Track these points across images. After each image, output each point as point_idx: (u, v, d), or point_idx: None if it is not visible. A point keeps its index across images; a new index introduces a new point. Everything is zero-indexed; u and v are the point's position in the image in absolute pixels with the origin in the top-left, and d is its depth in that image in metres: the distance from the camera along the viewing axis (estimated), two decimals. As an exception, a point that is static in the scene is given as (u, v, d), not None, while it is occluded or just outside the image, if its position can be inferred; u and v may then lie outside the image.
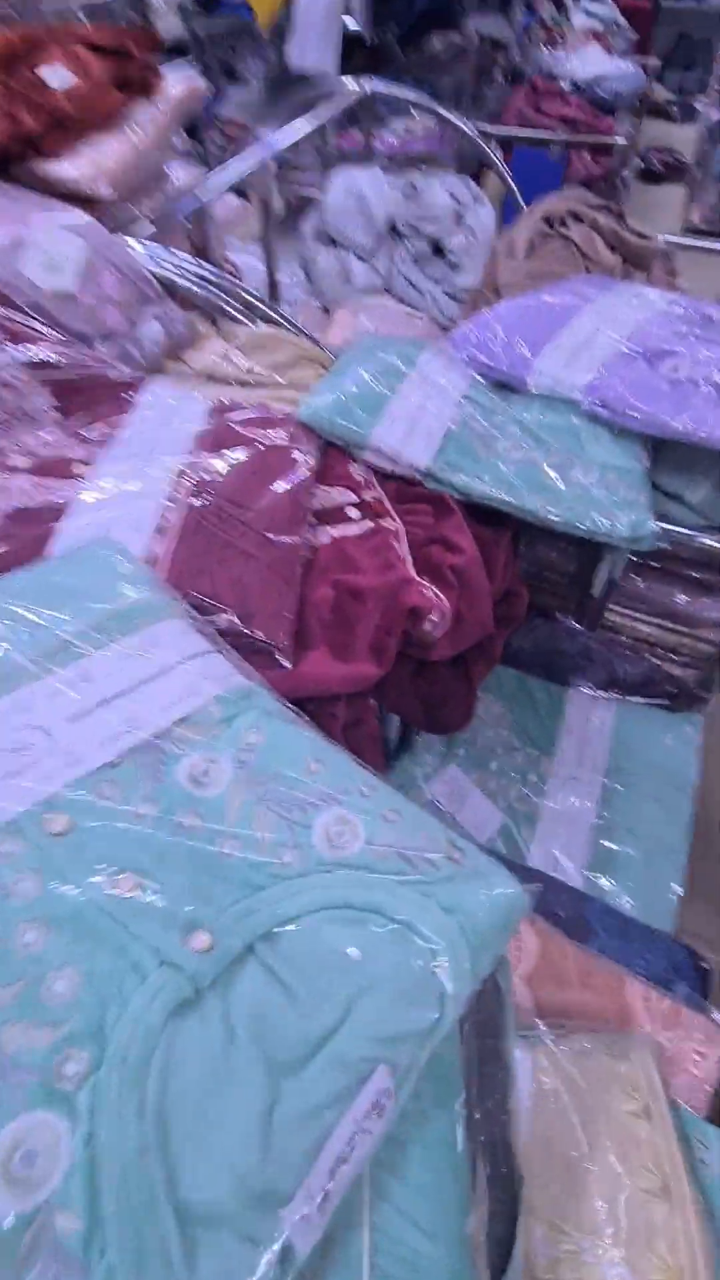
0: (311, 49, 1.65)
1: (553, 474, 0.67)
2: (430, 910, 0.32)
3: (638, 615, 0.91)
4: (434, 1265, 0.31)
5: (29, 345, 0.60)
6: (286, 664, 0.49)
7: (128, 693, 0.38)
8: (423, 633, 0.55)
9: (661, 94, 3.87)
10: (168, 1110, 0.26)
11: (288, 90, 2.14)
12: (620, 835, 0.79)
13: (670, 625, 0.90)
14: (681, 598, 0.87)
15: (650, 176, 3.30)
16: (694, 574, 0.86)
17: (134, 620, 0.42)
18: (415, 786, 0.85)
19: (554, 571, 0.90)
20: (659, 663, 0.93)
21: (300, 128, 1.12)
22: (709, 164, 2.69)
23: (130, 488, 0.53)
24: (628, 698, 0.91)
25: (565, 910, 0.61)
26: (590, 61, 2.01)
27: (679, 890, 0.77)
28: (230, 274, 1.13)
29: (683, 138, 3.65)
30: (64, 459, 0.55)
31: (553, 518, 0.64)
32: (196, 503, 0.54)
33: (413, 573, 0.58)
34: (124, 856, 0.32)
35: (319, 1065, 0.27)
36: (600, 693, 0.91)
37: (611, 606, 0.90)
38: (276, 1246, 0.26)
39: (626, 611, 0.91)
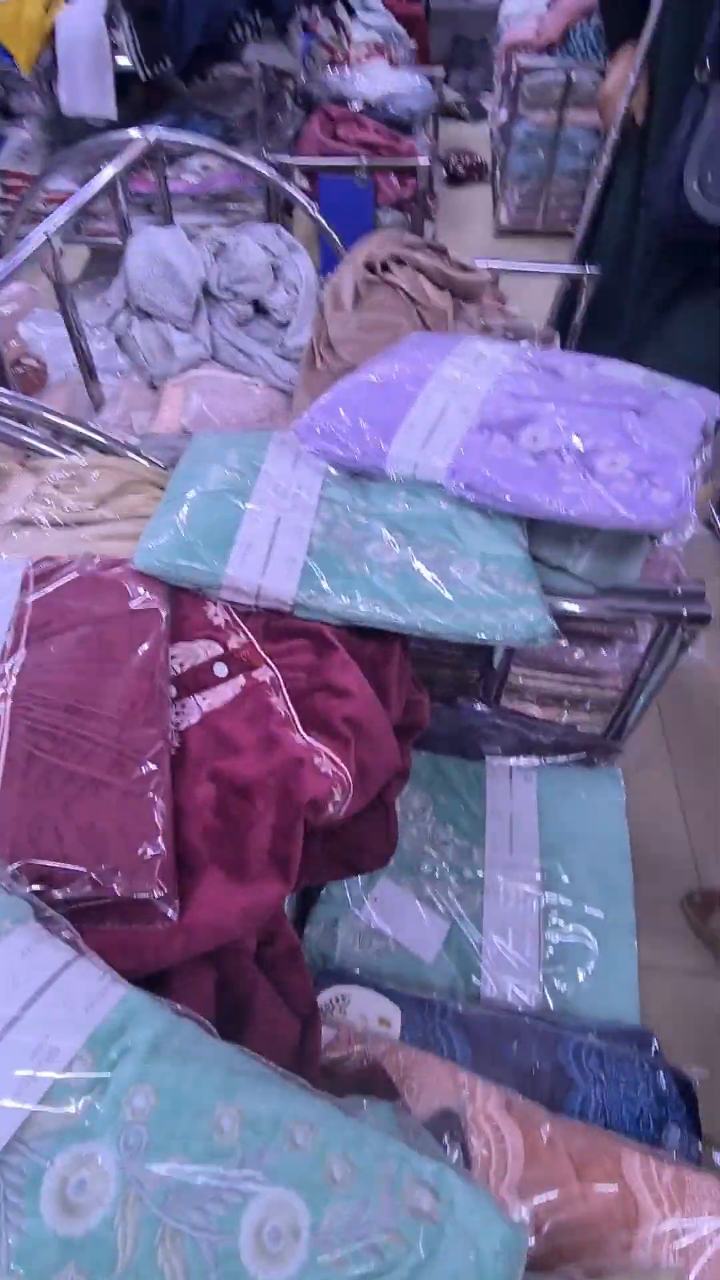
0: (83, 92, 1.53)
1: (432, 576, 0.61)
2: (413, 1344, 0.25)
3: (539, 674, 0.87)
4: None
5: None
6: (171, 915, 0.40)
7: (-44, 1093, 0.28)
8: (326, 817, 0.47)
9: (449, 95, 3.95)
10: None
11: (68, 132, 1.99)
12: (570, 922, 0.75)
13: (573, 679, 0.87)
14: (578, 653, 0.84)
15: (454, 179, 3.36)
16: (586, 628, 0.83)
17: (-47, 959, 0.32)
18: (347, 913, 0.77)
19: (449, 648, 0.85)
20: (565, 711, 0.90)
21: (85, 194, 1.01)
22: (506, 165, 2.75)
23: (-68, 729, 0.42)
24: (544, 759, 0.87)
25: (539, 1063, 0.55)
26: (378, 79, 1.98)
27: (636, 966, 0.74)
28: (28, 375, 1.00)
29: (476, 136, 3.75)
30: None
31: (440, 632, 0.58)
32: (23, 726, 0.44)
33: (300, 739, 0.50)
34: None
35: None
36: (516, 760, 0.87)
37: (513, 668, 0.86)
38: None
39: (528, 671, 0.87)
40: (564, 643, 0.84)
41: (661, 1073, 0.55)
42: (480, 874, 0.80)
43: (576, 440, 0.64)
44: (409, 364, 0.75)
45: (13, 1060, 0.30)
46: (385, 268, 1.04)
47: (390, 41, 2.56)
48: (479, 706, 0.81)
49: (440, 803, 0.85)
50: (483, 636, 0.58)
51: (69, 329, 0.98)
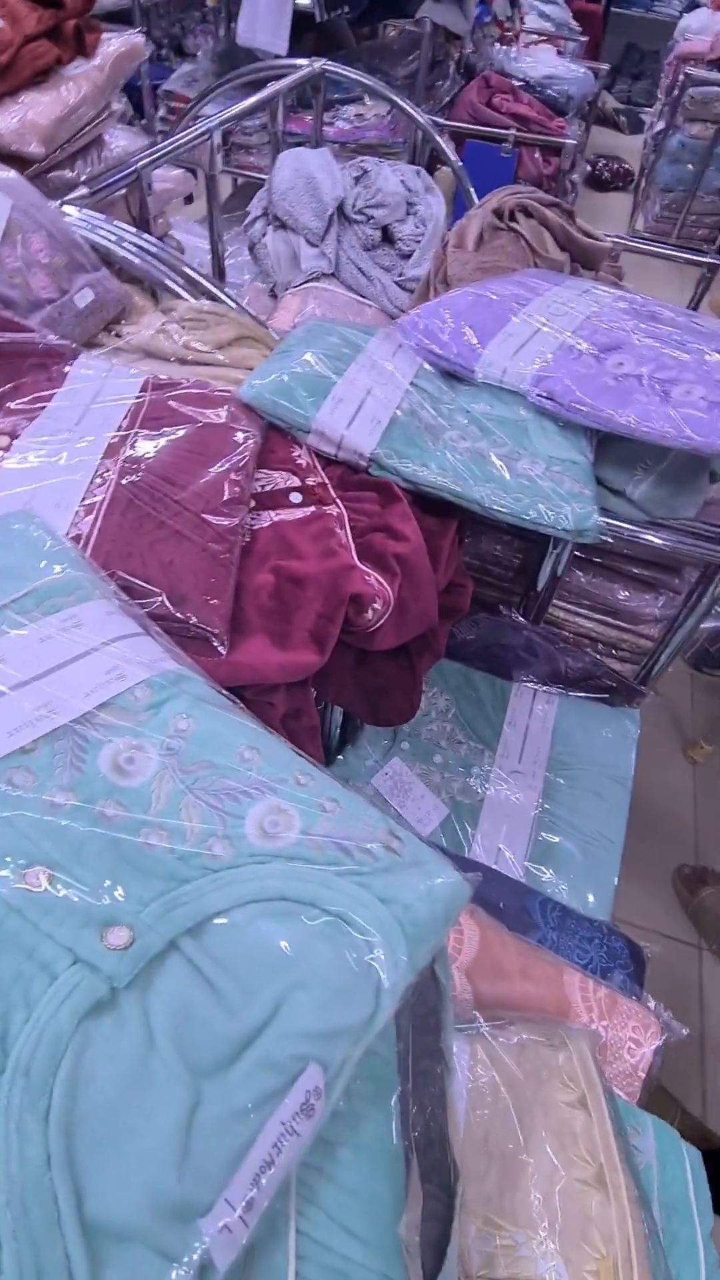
0: (262, 26, 1.62)
1: (499, 465, 0.67)
2: (367, 902, 0.31)
3: (580, 610, 0.92)
4: (364, 1272, 0.30)
5: (-50, 308, 0.56)
6: (222, 650, 0.47)
7: (44, 676, 0.36)
8: (364, 621, 0.54)
9: (610, 103, 3.94)
10: (76, 1121, 0.24)
11: (236, 67, 2.09)
12: (561, 828, 0.80)
13: (611, 621, 0.91)
14: (623, 594, 0.88)
15: (598, 184, 3.36)
16: (635, 570, 0.87)
17: (53, 599, 0.40)
18: (359, 780, 0.84)
19: (498, 565, 0.91)
20: (599, 657, 0.94)
21: (248, 103, 1.09)
22: (653, 174, 2.75)
23: (56, 462, 0.50)
24: (569, 692, 0.92)
25: (507, 902, 0.61)
26: (542, 62, 2.03)
27: (616, 882, 0.78)
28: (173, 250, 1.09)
29: (629, 148, 3.73)
30: (-14, 429, 0.52)
31: (498, 508, 0.64)
32: (127, 480, 0.51)
33: (355, 559, 0.57)
34: (36, 849, 0.29)
35: (244, 1066, 0.26)
36: (543, 687, 0.92)
37: (555, 602, 0.91)
38: (194, 1260, 0.25)
39: (569, 607, 0.92)
40: (609, 581, 0.88)
41: (616, 936, 0.60)
42: (487, 774, 0.85)
43: (657, 369, 0.68)
44: (519, 287, 0.80)
45: (88, 673, 0.37)
46: (513, 216, 1.09)
47: (561, 33, 2.59)
48: (518, 617, 0.86)
49: (463, 708, 0.91)
50: (534, 517, 0.63)
51: (210, 222, 1.07)
